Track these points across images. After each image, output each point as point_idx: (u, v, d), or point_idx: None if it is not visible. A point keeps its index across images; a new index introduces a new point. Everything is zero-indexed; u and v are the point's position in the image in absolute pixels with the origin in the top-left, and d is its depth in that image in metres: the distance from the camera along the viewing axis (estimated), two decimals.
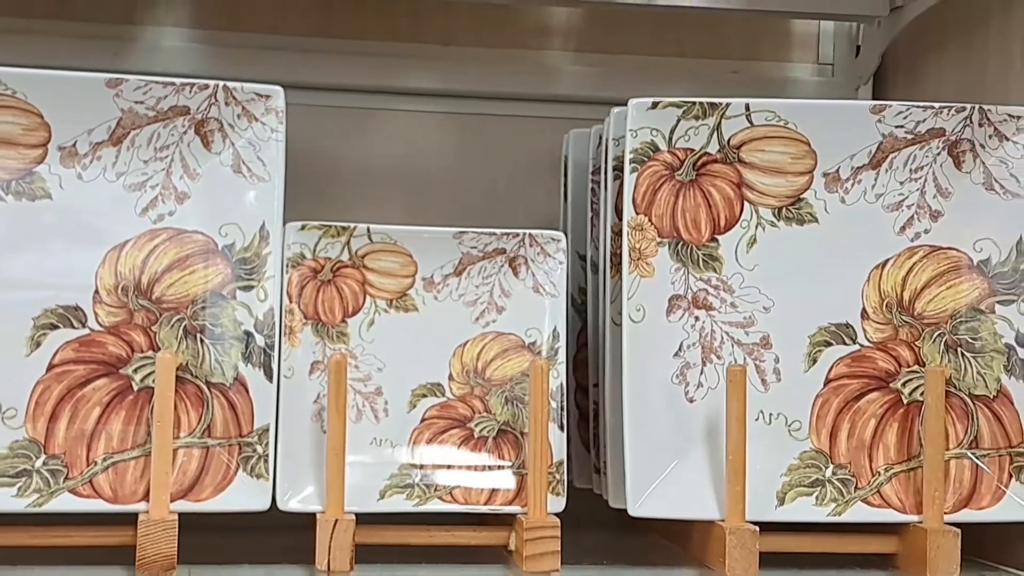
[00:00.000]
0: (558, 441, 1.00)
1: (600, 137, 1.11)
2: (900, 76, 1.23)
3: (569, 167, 1.17)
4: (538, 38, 1.29)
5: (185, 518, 0.94)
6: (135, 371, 0.97)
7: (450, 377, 1.02)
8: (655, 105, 1.01)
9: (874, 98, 1.26)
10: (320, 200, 1.22)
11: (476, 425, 1.01)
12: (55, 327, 0.96)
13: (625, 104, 1.03)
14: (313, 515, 0.96)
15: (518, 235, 1.02)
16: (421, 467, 1.00)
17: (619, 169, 1.03)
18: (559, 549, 0.96)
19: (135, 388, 0.97)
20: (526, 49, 1.28)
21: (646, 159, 1.00)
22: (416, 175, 1.26)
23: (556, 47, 1.29)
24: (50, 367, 0.96)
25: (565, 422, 1.01)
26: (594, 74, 1.27)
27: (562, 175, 1.19)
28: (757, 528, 0.95)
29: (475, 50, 1.27)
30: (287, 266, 1.00)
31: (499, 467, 1.00)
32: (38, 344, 0.96)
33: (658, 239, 1.00)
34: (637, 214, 1.00)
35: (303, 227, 1.01)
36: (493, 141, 1.27)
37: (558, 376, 1.01)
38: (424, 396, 1.01)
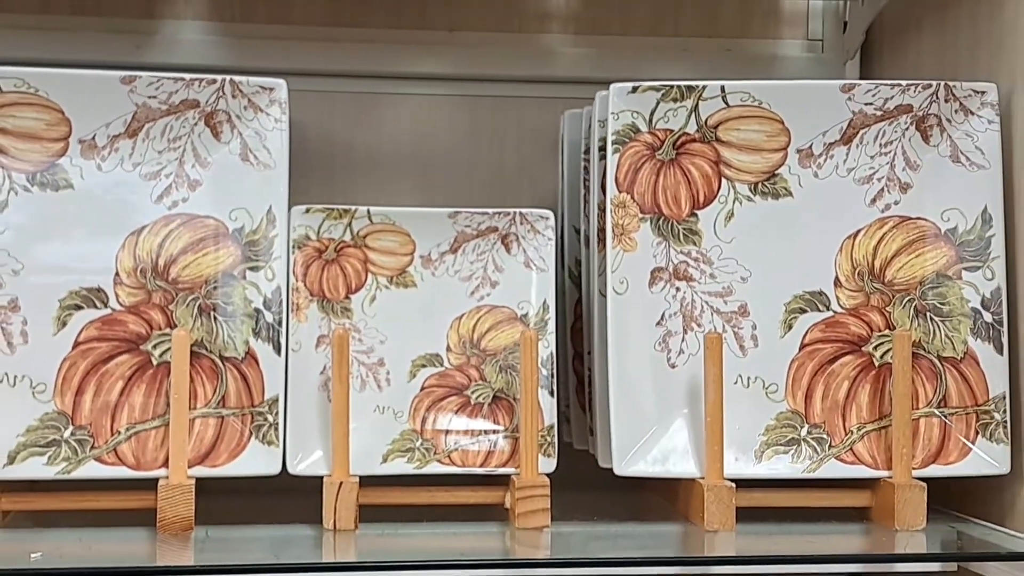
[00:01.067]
0: (548, 406, 1.06)
1: (591, 118, 1.17)
2: (884, 52, 1.28)
3: (564, 146, 1.22)
4: (539, 21, 1.34)
5: (202, 483, 1.02)
6: (154, 347, 1.05)
7: (448, 348, 1.08)
8: (635, 89, 1.07)
9: (861, 73, 1.31)
10: (332, 183, 1.29)
11: (473, 392, 1.08)
12: (79, 308, 1.04)
13: (619, 84, 1.09)
14: (320, 478, 1.03)
15: (509, 214, 1.09)
16: (421, 432, 1.07)
17: (604, 149, 1.09)
18: (549, 507, 1.03)
19: (154, 363, 1.05)
20: (527, 33, 1.33)
21: (628, 140, 1.06)
22: (425, 157, 1.32)
23: (555, 30, 1.34)
24: (76, 344, 1.04)
25: (555, 388, 1.07)
26: (591, 55, 1.33)
27: (559, 154, 1.25)
28: (734, 484, 1.02)
29: (479, 35, 1.32)
30: (293, 247, 1.07)
31: (494, 431, 1.07)
32: (64, 324, 1.04)
33: (640, 215, 1.06)
34: (620, 192, 1.06)
35: (307, 210, 1.08)
36: (498, 122, 1.33)
37: (548, 345, 1.07)
38: (424, 366, 1.08)
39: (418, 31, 1.32)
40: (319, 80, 1.29)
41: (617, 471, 1.04)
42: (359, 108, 1.32)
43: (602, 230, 1.09)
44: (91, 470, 1.02)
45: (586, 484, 1.11)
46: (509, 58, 1.33)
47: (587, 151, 1.17)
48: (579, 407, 1.19)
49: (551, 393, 1.07)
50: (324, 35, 1.31)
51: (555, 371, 1.07)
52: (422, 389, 1.08)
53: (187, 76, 1.06)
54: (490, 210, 1.09)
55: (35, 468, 1.02)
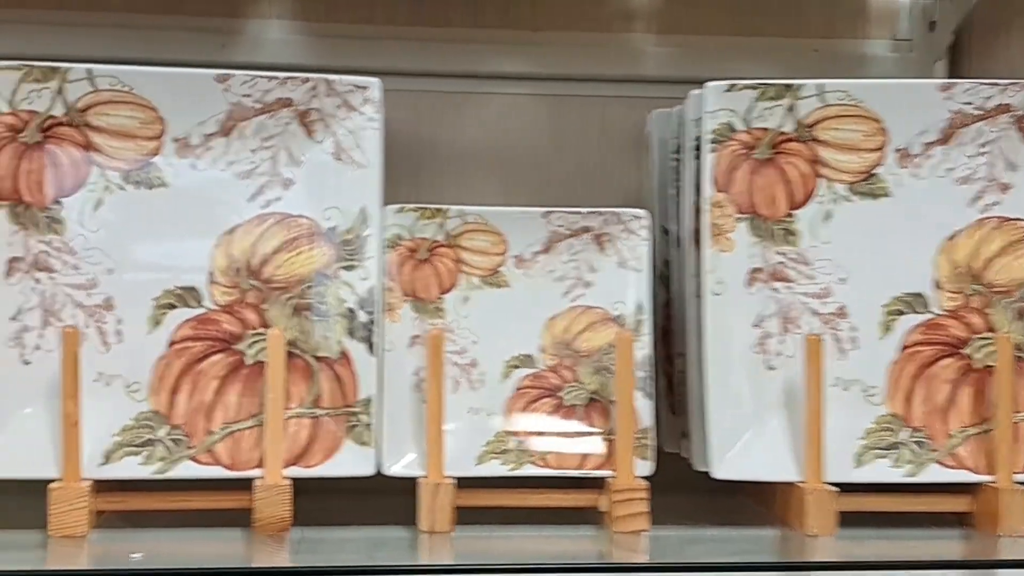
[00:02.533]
0: (644, 408, 1.05)
1: (680, 117, 1.16)
2: (973, 52, 1.27)
3: (653, 146, 1.21)
4: (623, 21, 1.33)
5: (296, 482, 1.01)
6: (248, 347, 1.04)
7: (541, 349, 1.08)
8: (731, 87, 1.05)
9: (949, 73, 1.29)
10: (417, 182, 1.29)
11: (567, 394, 1.07)
12: (174, 307, 1.04)
13: (705, 84, 1.08)
14: (414, 479, 1.03)
15: (603, 213, 1.08)
16: (515, 434, 1.06)
17: (699, 148, 1.08)
18: (647, 510, 1.02)
19: (248, 363, 1.04)
20: (611, 32, 1.33)
21: (724, 139, 1.05)
22: (509, 156, 1.31)
23: (639, 29, 1.33)
24: (170, 344, 1.04)
25: (652, 390, 1.06)
26: (676, 55, 1.32)
27: (647, 153, 1.24)
28: (836, 489, 1.00)
29: (562, 34, 1.31)
30: (386, 247, 1.07)
31: (589, 433, 1.06)
32: (159, 323, 1.04)
33: (737, 215, 1.05)
34: (716, 192, 1.05)
35: (400, 210, 1.07)
36: (581, 122, 1.32)
37: (643, 347, 1.06)
38: (517, 367, 1.07)
39: (501, 30, 1.31)
40: (403, 79, 1.28)
41: (714, 474, 1.03)
42: (443, 108, 1.31)
43: (697, 230, 1.08)
44: (186, 470, 1.02)
45: (676, 487, 1.09)
46: (593, 57, 1.32)
47: (677, 150, 1.16)
48: (668, 410, 1.18)
49: (647, 395, 1.06)
50: (408, 35, 1.30)
51: (650, 373, 1.06)
52: (516, 390, 1.07)
53: (281, 75, 1.05)
54: (584, 209, 1.08)
55: (131, 467, 1.01)
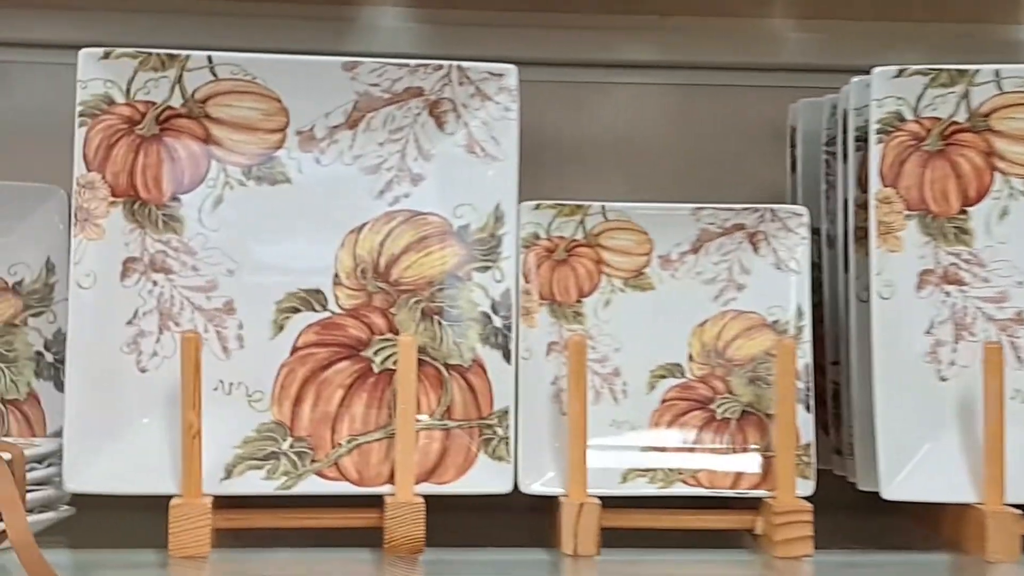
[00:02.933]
0: (805, 423, 0.97)
1: (833, 106, 1.08)
2: None
3: (798, 138, 1.13)
4: (757, 5, 1.25)
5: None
6: (375, 353, 0.97)
7: (690, 357, 1.00)
8: (900, 73, 0.97)
9: None
10: (539, 177, 1.20)
11: (718, 406, 0.99)
12: (297, 310, 0.97)
13: (852, 72, 1.00)
14: (554, 498, 0.95)
15: (758, 210, 1.00)
16: (663, 450, 0.98)
17: (861, 140, 1.00)
18: (811, 534, 0.94)
19: (375, 370, 0.97)
20: (745, 17, 1.25)
21: (892, 129, 0.97)
22: (636, 149, 1.24)
23: (776, 14, 1.25)
24: (293, 350, 0.97)
25: (812, 403, 0.98)
26: (818, 41, 1.23)
27: (789, 146, 1.16)
28: (1019, 512, 0.92)
29: (693, 19, 1.24)
30: (522, 246, 0.99)
31: (744, 449, 0.98)
32: (282, 327, 0.97)
33: (906, 212, 0.97)
34: (884, 186, 0.97)
35: (537, 207, 1.00)
36: (714, 113, 1.24)
37: (804, 355, 0.98)
38: (663, 377, 1.00)
39: (628, 16, 1.24)
40: (523, 69, 1.19)
41: (884, 495, 0.95)
42: (566, 99, 1.24)
43: (861, 228, 0.99)
44: (312, 485, 0.95)
45: (827, 506, 1.01)
46: (725, 44, 1.24)
47: (829, 143, 1.08)
48: (818, 423, 1.09)
49: (807, 408, 0.97)
50: (528, 21, 1.23)
51: (810, 384, 0.98)
52: (662, 402, 0.99)
53: (411, 62, 0.98)
54: (737, 206, 1.00)
55: (254, 482, 0.94)
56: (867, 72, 1.01)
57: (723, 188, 1.22)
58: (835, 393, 1.07)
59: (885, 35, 1.24)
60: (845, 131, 1.03)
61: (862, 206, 0.99)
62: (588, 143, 1.24)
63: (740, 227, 1.00)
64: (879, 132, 0.97)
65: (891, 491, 0.95)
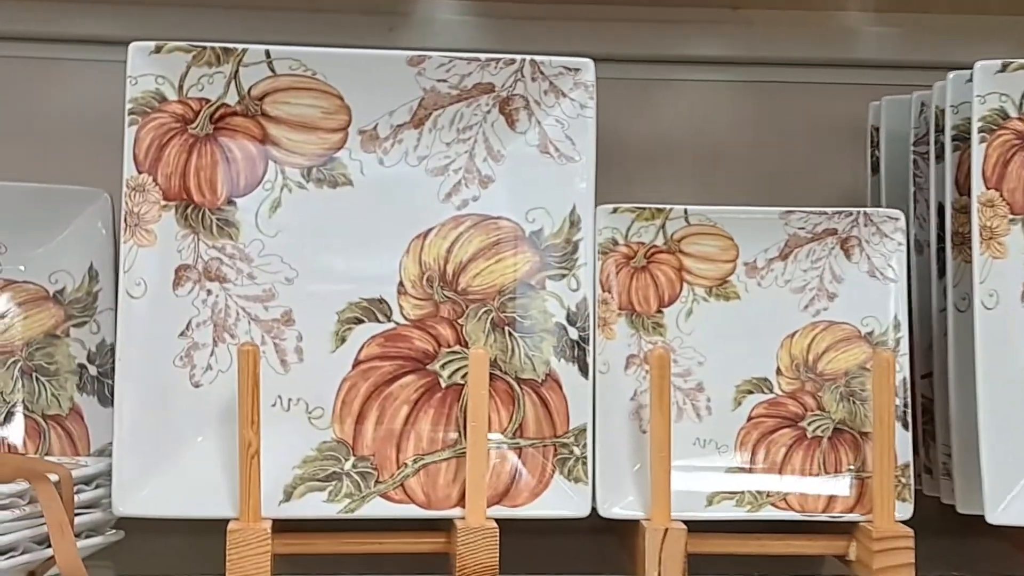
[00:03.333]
0: (903, 441, 0.91)
1: (922, 104, 1.02)
2: None
3: (881, 138, 1.07)
4: None
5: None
6: (442, 367, 0.91)
7: (778, 371, 0.93)
8: (1004, 67, 0.91)
9: None
10: (605, 179, 1.14)
11: (809, 424, 0.93)
12: (360, 321, 0.91)
13: (932, 68, 0.96)
14: (635, 522, 0.89)
15: (851, 214, 0.93)
16: (750, 471, 0.92)
17: (958, 140, 0.93)
18: (912, 561, 0.87)
19: (443, 385, 0.91)
20: (821, 10, 1.18)
21: (996, 127, 0.91)
22: (704, 149, 1.18)
23: (853, 7, 1.19)
24: (356, 364, 0.91)
25: (910, 420, 0.92)
26: (897, 35, 1.17)
27: (869, 146, 1.10)
28: None
29: (766, 12, 1.17)
30: (598, 252, 0.93)
31: (836, 470, 0.92)
32: (343, 339, 0.91)
33: (1010, 216, 0.91)
34: (987, 188, 0.90)
35: (615, 210, 0.94)
36: (787, 111, 1.18)
37: (901, 369, 0.91)
38: (750, 392, 0.93)
39: (697, 9, 1.17)
40: None
41: (990, 519, 0.89)
42: (631, 96, 1.17)
43: (958, 234, 0.93)
44: (377, 508, 0.89)
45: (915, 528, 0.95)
46: (800, 39, 1.17)
47: (917, 142, 1.02)
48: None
49: (904, 426, 0.91)
50: (590, 14, 1.17)
51: (908, 400, 0.92)
52: (749, 419, 0.93)
53: (482, 56, 0.92)
54: (828, 209, 0.94)
55: (315, 505, 0.88)
56: (947, 69, 0.96)
57: (796, 192, 1.16)
58: (924, 409, 1.00)
59: (965, 28, 1.17)
60: (939, 129, 0.96)
61: (961, 210, 0.93)
62: (653, 144, 1.18)
63: (832, 232, 0.94)
64: (982, 131, 0.90)
65: (997, 515, 0.88)
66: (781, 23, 1.17)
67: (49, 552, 0.82)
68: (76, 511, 0.85)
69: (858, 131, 1.13)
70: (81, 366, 0.98)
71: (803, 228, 0.94)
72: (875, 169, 1.09)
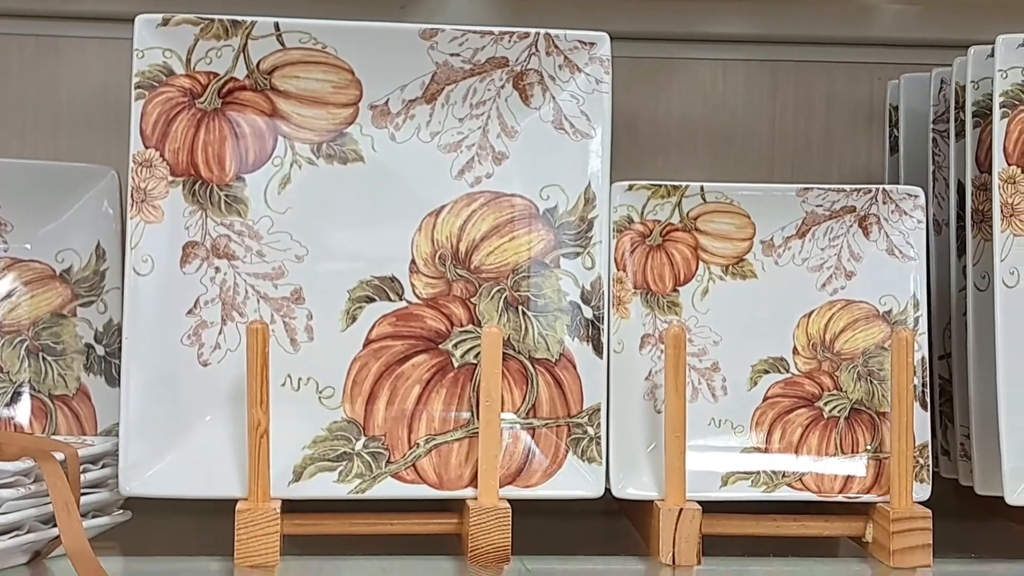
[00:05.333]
0: (921, 422, 0.89)
1: (941, 82, 1.00)
2: None
3: (900, 116, 1.06)
4: None
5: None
6: (455, 346, 0.90)
7: (794, 351, 0.92)
8: None
9: None
10: (618, 157, 1.13)
11: (826, 404, 0.92)
12: (371, 300, 0.90)
13: (949, 47, 0.94)
14: (649, 503, 0.88)
15: (870, 191, 0.92)
16: (766, 451, 0.91)
17: (979, 116, 0.92)
18: (930, 543, 0.86)
19: (455, 365, 0.90)
20: None
21: (1017, 103, 0.89)
22: (720, 128, 1.16)
23: None
24: (367, 343, 0.89)
25: (928, 400, 0.90)
26: (916, 13, 1.15)
27: (888, 125, 1.08)
28: None
29: None
30: (613, 231, 0.92)
31: (853, 451, 0.90)
32: (354, 318, 0.89)
33: None
34: (1008, 165, 0.89)
35: (630, 187, 0.92)
36: (803, 90, 1.17)
37: (920, 348, 0.90)
38: (766, 372, 0.92)
39: None
40: None
41: (1009, 500, 0.88)
42: (645, 74, 1.16)
43: (979, 211, 0.92)
44: (389, 488, 0.88)
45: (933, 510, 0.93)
46: (817, 17, 1.16)
47: (936, 120, 1.00)
48: None
49: (923, 406, 0.90)
50: None
51: (927, 380, 0.90)
52: (765, 399, 0.92)
53: (495, 29, 0.91)
54: (847, 186, 0.92)
55: (325, 486, 0.87)
56: (966, 47, 0.94)
57: (812, 172, 1.15)
58: (941, 390, 0.99)
59: (983, 8, 1.15)
60: (959, 106, 0.95)
61: (981, 187, 0.91)
62: (667, 123, 1.17)
63: (850, 210, 0.92)
64: (1003, 106, 0.89)
65: (1018, 496, 0.87)
66: (798, 1, 1.16)
67: (55, 532, 0.81)
68: (83, 491, 0.83)
69: (876, 110, 1.11)
70: (88, 346, 0.97)
71: (821, 206, 0.92)
72: (893, 148, 1.08)
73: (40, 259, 0.97)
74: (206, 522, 0.90)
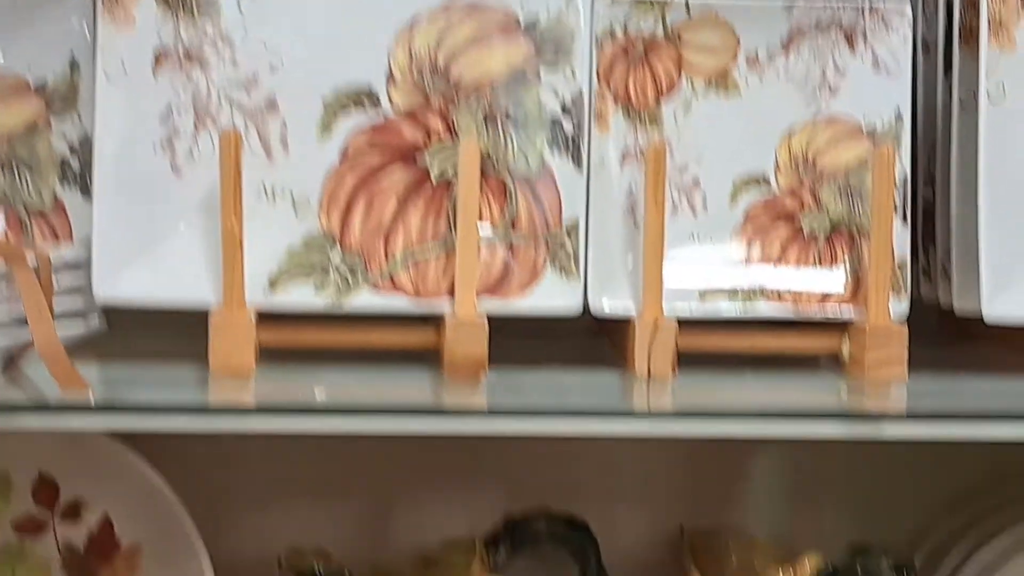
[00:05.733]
0: (901, 237, 0.89)
1: None
2: None
3: None
4: None
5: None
6: (433, 159, 0.89)
7: (776, 167, 0.91)
8: None
9: None
10: None
11: (805, 221, 0.91)
12: (347, 110, 0.88)
13: None
14: (616, 321, 0.88)
15: (857, 4, 0.90)
16: (745, 266, 0.90)
17: None
18: (906, 355, 0.86)
19: (433, 179, 0.89)
20: None
21: None
22: None
23: None
24: (343, 154, 0.88)
25: (908, 216, 0.90)
26: None
27: None
28: None
29: None
30: (595, 43, 0.90)
31: (832, 267, 0.90)
32: (329, 129, 0.88)
33: (1021, 6, 0.87)
34: None
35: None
36: None
37: (902, 164, 0.89)
38: (747, 188, 0.91)
39: None
40: None
41: (986, 316, 0.87)
42: None
43: (966, 27, 0.90)
44: (365, 299, 0.87)
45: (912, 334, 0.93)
46: None
47: None
48: None
49: (903, 221, 0.89)
50: None
51: (908, 195, 0.89)
52: (745, 216, 0.91)
53: None
54: (833, 1, 0.90)
55: (302, 296, 0.87)
56: None
57: None
58: (925, 213, 0.98)
59: None
60: None
61: (971, 2, 0.89)
62: None
63: (836, 23, 0.90)
64: None
65: (993, 311, 0.87)
66: None
67: (28, 335, 0.80)
68: (57, 296, 0.83)
69: None
70: (63, 159, 0.96)
71: (806, 20, 0.90)
72: None
73: (13, 71, 0.95)
74: (181, 338, 0.89)
